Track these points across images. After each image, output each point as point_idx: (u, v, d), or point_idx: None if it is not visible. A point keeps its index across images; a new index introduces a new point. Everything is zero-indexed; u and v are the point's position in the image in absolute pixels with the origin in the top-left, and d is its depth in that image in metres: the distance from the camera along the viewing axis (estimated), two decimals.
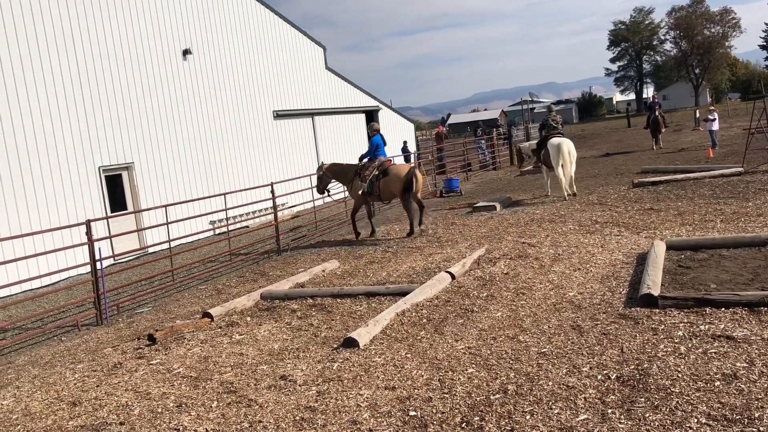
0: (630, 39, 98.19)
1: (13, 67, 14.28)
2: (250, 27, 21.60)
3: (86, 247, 10.02)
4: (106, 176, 16.25)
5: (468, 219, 13.61)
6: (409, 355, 5.87)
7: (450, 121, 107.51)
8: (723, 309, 5.92)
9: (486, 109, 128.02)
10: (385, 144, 13.03)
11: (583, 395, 4.63)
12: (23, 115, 14.40)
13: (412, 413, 4.69)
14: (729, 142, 23.46)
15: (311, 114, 23.93)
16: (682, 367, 4.87)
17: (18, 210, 14.06)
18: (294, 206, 17.25)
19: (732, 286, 6.67)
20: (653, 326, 5.79)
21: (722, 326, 5.56)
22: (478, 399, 4.79)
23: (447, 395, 4.92)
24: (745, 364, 4.77)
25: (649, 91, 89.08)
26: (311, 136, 23.91)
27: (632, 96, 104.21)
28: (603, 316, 6.28)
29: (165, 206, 12.48)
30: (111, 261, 13.95)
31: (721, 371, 4.71)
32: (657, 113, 25.09)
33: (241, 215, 17.24)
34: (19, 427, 5.45)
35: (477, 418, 4.49)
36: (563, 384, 4.85)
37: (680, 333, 5.55)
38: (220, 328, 7.67)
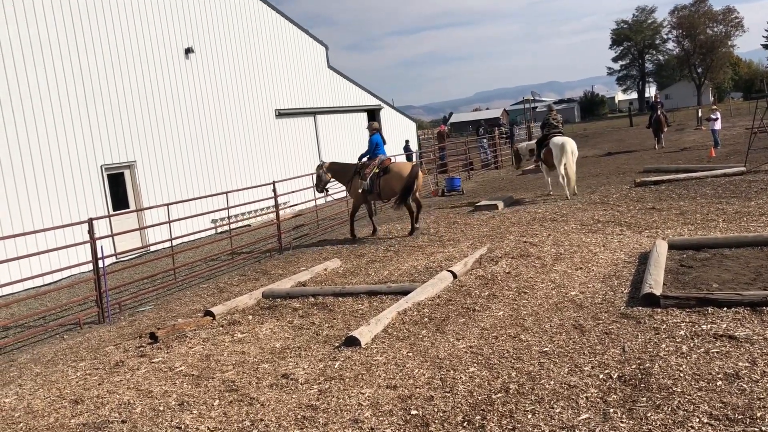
0: (632, 38, 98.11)
1: (16, 66, 14.30)
2: (252, 25, 21.61)
3: (88, 245, 10.04)
4: (108, 175, 16.27)
5: (470, 218, 13.61)
6: (410, 354, 5.87)
7: (452, 120, 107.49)
8: (725, 309, 5.91)
9: (488, 108, 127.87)
10: (384, 143, 13.03)
11: (585, 394, 4.62)
12: (26, 114, 14.42)
13: (414, 412, 4.69)
14: (731, 142, 23.42)
15: (313, 113, 23.94)
16: (684, 366, 4.86)
17: (20, 208, 14.09)
18: (296, 205, 17.26)
19: (734, 285, 6.66)
20: (655, 326, 5.78)
21: (724, 326, 5.56)
22: (479, 398, 4.79)
23: (448, 394, 4.92)
24: (747, 364, 4.77)
25: (651, 91, 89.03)
26: (313, 135, 23.92)
27: (634, 95, 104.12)
28: (605, 315, 6.27)
29: (167, 205, 12.49)
30: (113, 259, 13.98)
31: (723, 371, 4.70)
32: (659, 112, 25.07)
33: (243, 214, 17.27)
34: (21, 424, 5.47)
35: (478, 417, 4.49)
36: (565, 383, 4.85)
37: (682, 332, 5.54)
38: (222, 326, 7.68)
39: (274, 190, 13.62)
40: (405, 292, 7.78)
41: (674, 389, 4.51)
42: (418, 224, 12.68)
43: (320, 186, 13.55)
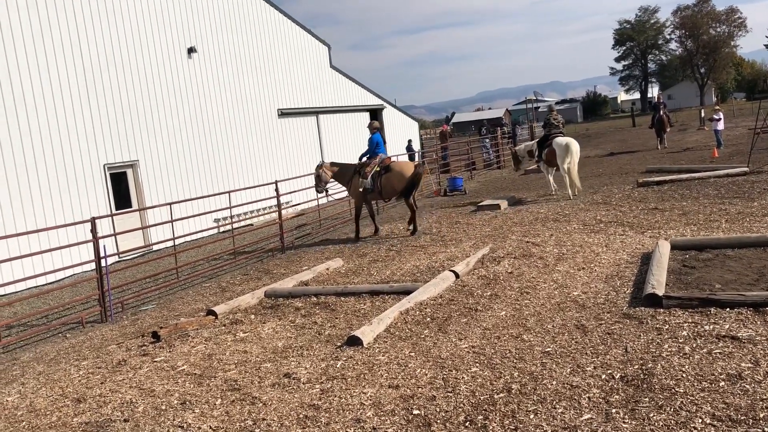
0: (635, 38, 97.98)
1: (19, 66, 14.32)
2: (255, 25, 21.62)
3: (91, 244, 10.05)
4: (111, 174, 16.29)
5: (472, 218, 13.61)
6: (412, 354, 5.87)
7: (454, 120, 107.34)
8: (728, 309, 5.91)
9: (490, 108, 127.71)
10: (384, 142, 13.02)
11: (587, 395, 4.62)
12: (29, 113, 14.45)
13: (416, 412, 4.69)
14: (734, 142, 23.38)
15: (316, 112, 23.95)
16: (687, 367, 4.86)
17: (23, 207, 14.12)
18: (298, 204, 17.26)
19: (737, 286, 6.65)
20: (657, 326, 5.78)
21: (727, 326, 5.55)
22: (481, 398, 4.79)
23: (451, 394, 4.92)
24: (749, 365, 4.76)
25: (654, 91, 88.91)
26: (316, 134, 23.93)
27: (637, 95, 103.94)
28: (607, 315, 6.27)
29: (170, 204, 12.51)
30: (116, 258, 14.00)
31: (726, 371, 4.69)
32: (662, 113, 25.03)
33: (245, 213, 17.27)
34: (24, 423, 5.48)
35: (481, 417, 4.49)
36: (567, 383, 4.84)
37: (685, 333, 5.54)
38: (224, 325, 7.69)
39: (277, 190, 13.62)
40: (407, 292, 7.78)
41: (677, 390, 4.51)
42: (411, 226, 12.65)
43: (320, 186, 13.55)
